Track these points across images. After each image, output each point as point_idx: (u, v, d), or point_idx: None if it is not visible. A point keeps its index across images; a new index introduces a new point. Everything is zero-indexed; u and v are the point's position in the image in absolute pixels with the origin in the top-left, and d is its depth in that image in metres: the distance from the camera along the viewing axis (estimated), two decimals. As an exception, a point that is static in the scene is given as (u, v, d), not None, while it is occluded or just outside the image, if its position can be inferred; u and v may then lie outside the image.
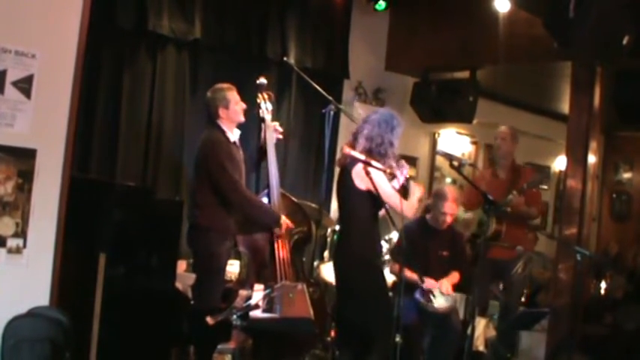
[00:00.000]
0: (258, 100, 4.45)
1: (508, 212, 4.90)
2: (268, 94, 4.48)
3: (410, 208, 3.81)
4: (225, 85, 4.23)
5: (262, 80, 4.49)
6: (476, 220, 5.09)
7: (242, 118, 4.25)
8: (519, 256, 5.11)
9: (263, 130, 4.44)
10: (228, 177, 4.04)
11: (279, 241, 4.29)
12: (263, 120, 4.43)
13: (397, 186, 3.79)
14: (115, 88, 4.79)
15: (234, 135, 4.21)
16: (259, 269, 4.29)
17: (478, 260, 4.84)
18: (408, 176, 3.86)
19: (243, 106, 4.24)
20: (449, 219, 4.61)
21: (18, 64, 3.25)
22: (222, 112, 4.14)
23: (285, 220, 4.28)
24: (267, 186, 4.38)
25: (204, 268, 4.15)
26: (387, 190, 3.67)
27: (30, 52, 3.28)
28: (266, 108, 4.44)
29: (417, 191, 3.84)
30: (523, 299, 6.14)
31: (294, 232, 4.46)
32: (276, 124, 4.48)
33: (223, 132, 4.15)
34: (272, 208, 4.30)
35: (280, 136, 4.50)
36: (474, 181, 4.68)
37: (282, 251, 4.28)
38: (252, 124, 5.06)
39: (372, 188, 3.61)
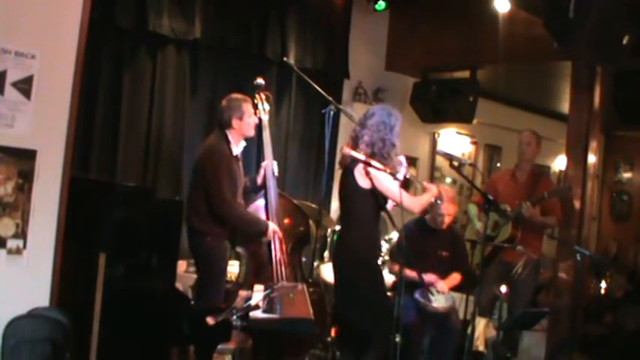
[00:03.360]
0: (256, 101, 4.43)
1: (525, 219, 4.87)
2: (266, 95, 4.48)
3: (415, 202, 3.82)
4: (240, 96, 4.22)
5: (260, 81, 4.48)
6: (490, 222, 5.05)
7: (252, 132, 4.23)
8: (537, 261, 5.09)
9: (262, 131, 4.44)
10: (220, 193, 4.02)
11: (277, 241, 4.29)
12: (260, 121, 4.43)
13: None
14: (115, 88, 4.79)
15: (238, 148, 4.19)
16: (257, 270, 4.29)
17: (489, 261, 4.85)
18: (408, 172, 3.87)
19: (256, 120, 4.23)
20: (447, 219, 4.62)
21: (18, 64, 3.25)
22: (235, 122, 4.12)
23: (274, 229, 4.25)
24: (264, 187, 4.37)
25: (205, 270, 4.15)
26: (389, 185, 3.68)
27: (30, 52, 3.28)
28: (263, 109, 4.43)
29: (431, 191, 3.90)
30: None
31: (292, 233, 4.45)
32: (275, 163, 4.45)
33: (229, 143, 4.13)
34: (260, 218, 4.26)
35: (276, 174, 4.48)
36: (470, 182, 4.67)
37: (279, 252, 4.27)
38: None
39: (372, 186, 3.61)
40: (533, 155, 5.26)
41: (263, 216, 4.30)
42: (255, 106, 4.41)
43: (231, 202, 4.07)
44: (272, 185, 4.35)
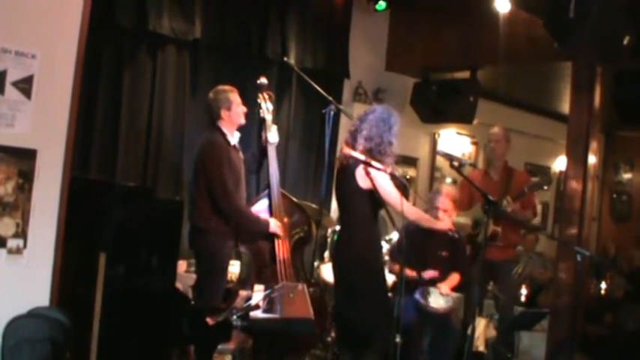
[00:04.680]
0: (259, 101, 4.44)
1: (506, 215, 4.89)
2: (269, 94, 4.47)
3: (413, 212, 3.85)
4: (227, 87, 4.24)
5: (263, 80, 4.48)
6: (470, 222, 5.07)
7: (243, 121, 4.24)
8: (518, 257, 5.10)
9: (264, 131, 4.43)
10: (222, 185, 4.03)
11: (280, 241, 4.29)
12: (263, 120, 4.42)
13: None
14: (115, 88, 4.79)
15: (234, 138, 4.20)
16: (260, 269, 4.28)
17: (476, 260, 4.86)
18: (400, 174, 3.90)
19: (244, 109, 4.24)
20: (441, 214, 4.60)
21: (18, 64, 3.25)
22: (224, 113, 4.14)
23: (277, 225, 4.25)
24: (268, 186, 4.38)
25: (206, 269, 4.15)
26: (387, 188, 3.69)
27: (30, 52, 3.28)
28: (266, 108, 4.43)
29: (443, 224, 4.11)
30: (523, 299, 6.15)
31: (294, 233, 4.45)
32: (274, 127, 4.45)
33: (224, 135, 4.14)
34: (259, 218, 4.25)
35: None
36: (471, 183, 4.67)
37: (282, 251, 4.27)
38: (252, 123, 5.07)
39: (372, 188, 3.62)
40: (503, 152, 5.31)
41: (266, 216, 4.30)
42: (259, 106, 4.41)
43: (234, 196, 4.07)
44: (275, 184, 4.35)
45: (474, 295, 4.20)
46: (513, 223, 5.05)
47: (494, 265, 4.92)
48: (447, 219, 4.23)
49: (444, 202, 4.59)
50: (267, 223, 4.22)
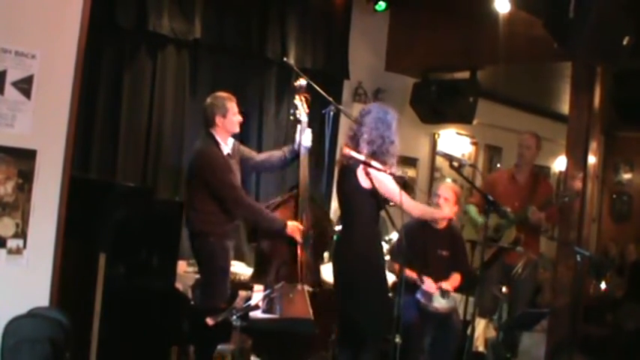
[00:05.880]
0: (296, 102, 4.35)
1: (528, 221, 4.89)
2: (306, 97, 4.39)
3: (416, 207, 3.86)
4: (225, 94, 4.21)
5: (302, 82, 4.38)
6: (493, 225, 5.05)
7: (237, 129, 4.22)
8: (534, 261, 5.10)
9: (298, 133, 4.35)
10: (232, 190, 4.02)
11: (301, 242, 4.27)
12: (299, 122, 4.34)
13: None
14: (115, 88, 4.79)
15: (227, 146, 4.18)
16: (279, 266, 4.24)
17: (491, 264, 4.86)
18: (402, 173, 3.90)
19: (240, 118, 4.22)
20: (442, 201, 4.60)
21: (18, 64, 3.25)
22: (218, 120, 4.12)
23: (293, 225, 4.21)
24: (296, 187, 4.34)
25: (207, 271, 4.14)
26: (389, 186, 3.69)
27: (30, 52, 3.29)
28: (303, 110, 4.36)
29: (440, 213, 4.20)
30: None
31: (320, 240, 4.44)
32: (309, 130, 4.39)
33: (217, 144, 4.12)
34: (275, 217, 4.20)
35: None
36: (476, 181, 4.68)
37: (303, 253, 4.25)
38: (252, 124, 5.06)
39: (373, 188, 3.62)
40: (532, 158, 5.27)
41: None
42: (296, 107, 4.35)
43: (246, 197, 4.07)
44: (304, 187, 4.31)
45: (481, 296, 4.19)
46: (534, 231, 5.05)
47: (512, 269, 4.92)
48: (447, 208, 4.24)
49: (445, 189, 4.61)
50: (283, 224, 4.17)
